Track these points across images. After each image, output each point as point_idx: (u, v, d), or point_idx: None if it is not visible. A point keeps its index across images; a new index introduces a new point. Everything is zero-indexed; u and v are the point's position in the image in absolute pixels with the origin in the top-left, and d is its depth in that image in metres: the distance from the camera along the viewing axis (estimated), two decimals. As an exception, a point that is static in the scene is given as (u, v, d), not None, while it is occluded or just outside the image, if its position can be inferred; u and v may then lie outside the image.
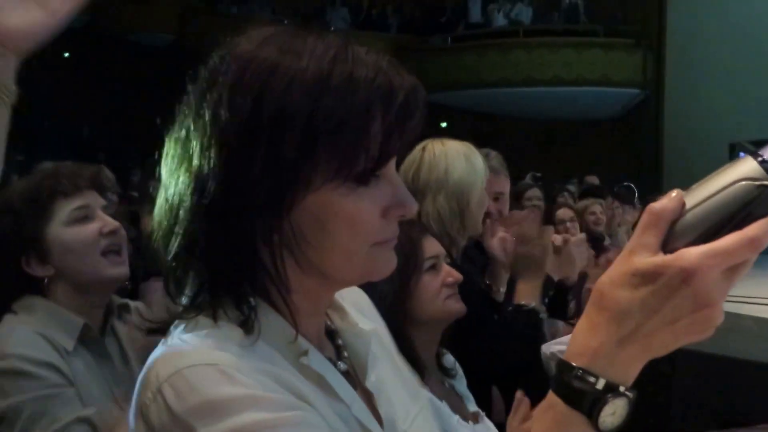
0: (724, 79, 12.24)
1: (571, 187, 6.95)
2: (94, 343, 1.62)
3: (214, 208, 0.74)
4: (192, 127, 0.77)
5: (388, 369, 0.96)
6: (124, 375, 1.66)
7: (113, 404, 1.56)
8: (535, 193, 4.01)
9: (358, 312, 0.97)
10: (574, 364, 0.68)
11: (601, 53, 13.88)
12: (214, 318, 0.76)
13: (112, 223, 1.65)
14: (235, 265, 0.76)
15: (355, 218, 0.76)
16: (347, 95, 0.74)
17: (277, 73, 0.74)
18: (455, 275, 1.74)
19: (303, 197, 0.75)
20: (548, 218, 3.76)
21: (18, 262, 1.57)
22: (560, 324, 2.77)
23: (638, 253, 0.65)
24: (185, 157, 0.78)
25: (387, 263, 0.82)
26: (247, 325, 0.76)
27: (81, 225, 1.61)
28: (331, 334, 0.91)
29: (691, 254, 0.62)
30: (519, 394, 1.59)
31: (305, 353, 0.79)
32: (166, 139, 0.81)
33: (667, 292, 0.63)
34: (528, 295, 2.10)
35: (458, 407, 1.61)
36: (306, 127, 0.73)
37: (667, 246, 0.65)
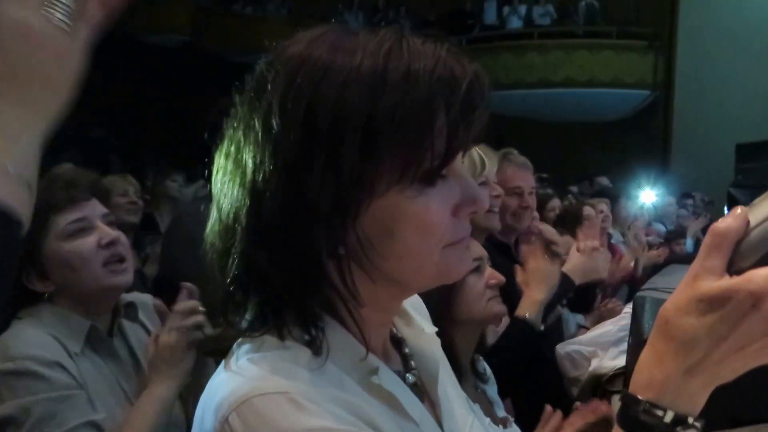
0: (733, 80, 12.21)
1: (575, 189, 6.94)
2: (102, 344, 1.61)
3: (273, 224, 0.71)
4: (243, 141, 0.73)
5: (446, 374, 0.92)
6: (133, 373, 1.64)
7: (125, 403, 1.56)
8: (555, 203, 4.05)
9: (420, 315, 0.93)
10: (640, 397, 0.64)
11: (613, 55, 13.84)
12: (281, 337, 0.73)
13: (110, 234, 1.60)
14: (300, 283, 0.72)
15: (425, 221, 0.72)
16: (407, 90, 0.69)
17: (330, 74, 0.70)
18: (498, 277, 1.75)
19: (368, 204, 0.70)
20: (561, 218, 3.79)
21: (18, 277, 1.52)
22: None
23: (704, 277, 0.62)
24: (237, 172, 0.73)
25: (462, 264, 0.77)
26: (315, 345, 0.72)
27: (79, 238, 1.56)
28: (397, 341, 0.87)
29: (759, 276, 0.59)
30: (548, 408, 1.61)
31: (375, 371, 0.75)
32: (215, 155, 0.77)
33: (737, 318, 0.60)
34: (529, 307, 2.10)
35: (489, 411, 1.62)
36: (366, 129, 0.68)
37: (733, 267, 0.62)
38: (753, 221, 0.62)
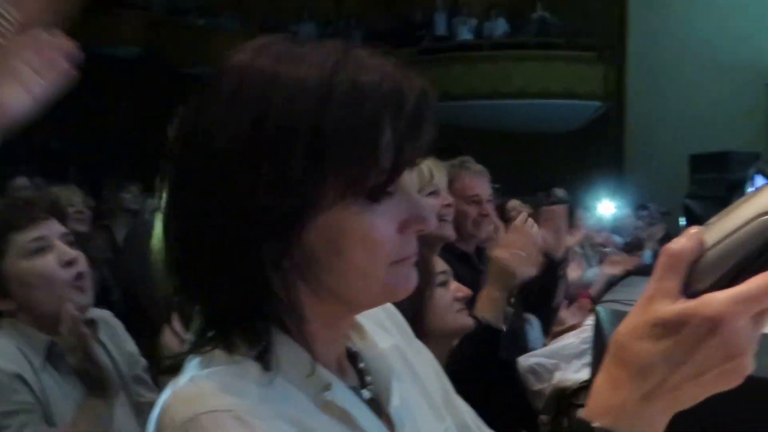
0: (686, 91, 12.46)
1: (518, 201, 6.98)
2: (62, 361, 1.60)
3: (218, 237, 0.69)
4: (187, 152, 0.72)
5: (412, 387, 0.89)
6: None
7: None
8: (515, 203, 4.05)
9: (379, 327, 0.91)
10: (596, 424, 0.62)
11: (564, 66, 14.06)
12: (230, 352, 0.71)
13: (69, 254, 1.61)
14: (245, 297, 0.71)
15: (370, 237, 0.71)
16: (353, 105, 0.68)
17: (276, 85, 0.68)
18: (465, 290, 1.75)
19: (313, 219, 0.69)
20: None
21: None
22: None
23: (658, 301, 0.61)
24: (183, 184, 0.72)
25: (408, 281, 0.76)
26: (264, 360, 0.70)
27: (38, 257, 1.58)
28: (353, 356, 0.85)
29: (716, 300, 0.58)
30: None
31: (328, 387, 0.74)
32: (162, 163, 0.75)
33: (693, 343, 0.59)
34: (488, 306, 2.04)
35: None
36: (311, 143, 0.67)
37: (688, 289, 0.60)
38: (709, 241, 0.61)
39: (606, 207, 7.38)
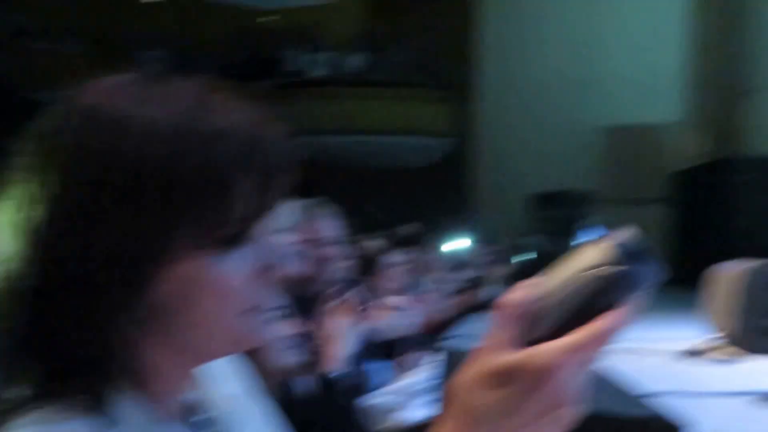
0: (531, 131, 13.07)
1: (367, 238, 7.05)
2: None
3: (60, 286, 0.64)
4: (27, 196, 0.66)
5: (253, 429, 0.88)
6: None
7: None
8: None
9: (220, 375, 0.88)
10: None
11: (417, 103, 14.43)
12: (63, 410, 0.65)
13: None
14: (87, 347, 0.66)
15: (223, 288, 0.69)
16: (206, 153, 0.65)
17: (127, 131, 0.65)
18: (298, 328, 1.75)
19: (164, 268, 0.66)
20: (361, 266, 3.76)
21: None
22: None
23: (493, 351, 0.63)
24: (21, 230, 0.66)
25: (261, 331, 0.75)
26: (100, 419, 0.66)
27: None
28: (192, 407, 0.82)
29: (545, 352, 0.60)
30: None
31: None
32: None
33: (524, 393, 0.61)
34: (331, 349, 2.09)
35: None
36: (162, 191, 0.64)
37: (525, 338, 0.63)
38: (542, 292, 0.63)
39: (454, 243, 7.56)
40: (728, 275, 3.26)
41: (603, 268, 0.61)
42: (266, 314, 0.74)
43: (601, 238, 0.63)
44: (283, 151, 0.71)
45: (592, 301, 0.61)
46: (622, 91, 12.67)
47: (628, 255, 0.61)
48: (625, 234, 0.62)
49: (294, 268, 2.40)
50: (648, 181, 12.38)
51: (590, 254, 0.62)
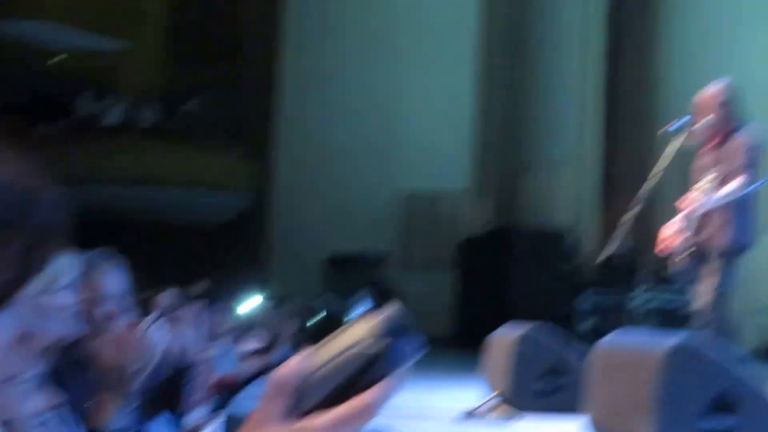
0: (328, 192, 13.22)
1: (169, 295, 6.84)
2: None
3: None
4: None
5: None
6: None
7: None
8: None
9: None
10: None
11: (213, 158, 14.23)
12: None
13: None
14: None
15: None
16: None
17: None
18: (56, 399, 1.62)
19: None
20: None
21: None
22: None
23: (263, 422, 0.63)
24: None
25: (24, 398, 0.71)
26: None
27: None
28: None
29: (312, 426, 0.62)
30: None
31: None
32: None
33: None
34: (101, 412, 2.02)
35: None
36: None
37: (294, 412, 0.64)
38: (315, 364, 0.65)
39: (247, 303, 7.46)
40: (504, 339, 3.48)
41: (369, 343, 0.64)
42: (24, 384, 0.71)
43: (369, 312, 0.67)
44: (55, 210, 0.68)
45: (359, 375, 0.64)
46: (418, 158, 13.19)
47: (393, 331, 0.64)
48: (391, 310, 0.65)
49: (67, 329, 2.26)
50: (439, 247, 12.94)
51: (359, 329, 0.65)
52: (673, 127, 4.53)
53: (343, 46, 13.56)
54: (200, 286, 7.83)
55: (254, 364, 4.57)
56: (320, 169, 13.37)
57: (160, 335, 3.51)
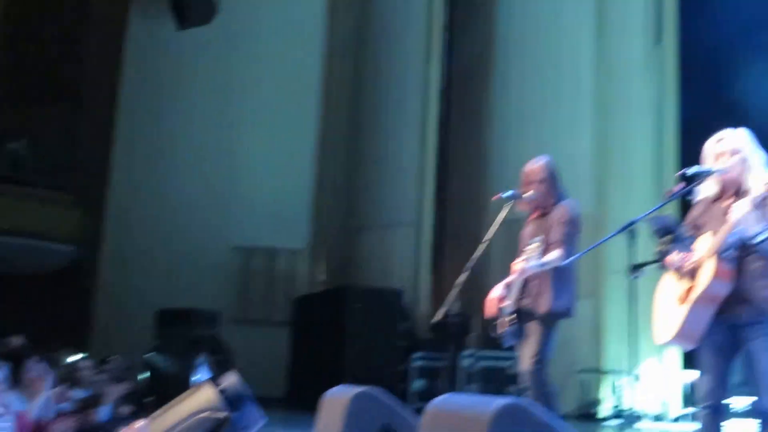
0: (160, 246, 12.86)
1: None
2: None
3: None
4: None
5: None
6: None
7: None
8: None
9: None
10: None
11: (38, 205, 13.50)
12: None
13: None
14: None
15: None
16: None
17: None
18: None
19: None
20: None
21: None
22: None
23: None
24: None
25: None
26: None
27: None
28: None
29: None
30: None
31: None
32: None
33: None
34: None
35: None
36: None
37: None
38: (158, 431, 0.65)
39: (71, 358, 7.12)
40: (335, 399, 3.50)
41: (206, 413, 0.66)
42: None
43: (207, 381, 0.68)
44: None
45: None
46: (256, 214, 13.09)
47: (230, 401, 0.68)
48: (228, 380, 0.67)
49: None
50: (274, 304, 12.84)
51: (197, 398, 0.67)
52: (505, 194, 4.81)
53: (185, 101, 13.43)
54: (16, 341, 7.38)
55: (77, 422, 4.34)
56: (155, 222, 13.03)
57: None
